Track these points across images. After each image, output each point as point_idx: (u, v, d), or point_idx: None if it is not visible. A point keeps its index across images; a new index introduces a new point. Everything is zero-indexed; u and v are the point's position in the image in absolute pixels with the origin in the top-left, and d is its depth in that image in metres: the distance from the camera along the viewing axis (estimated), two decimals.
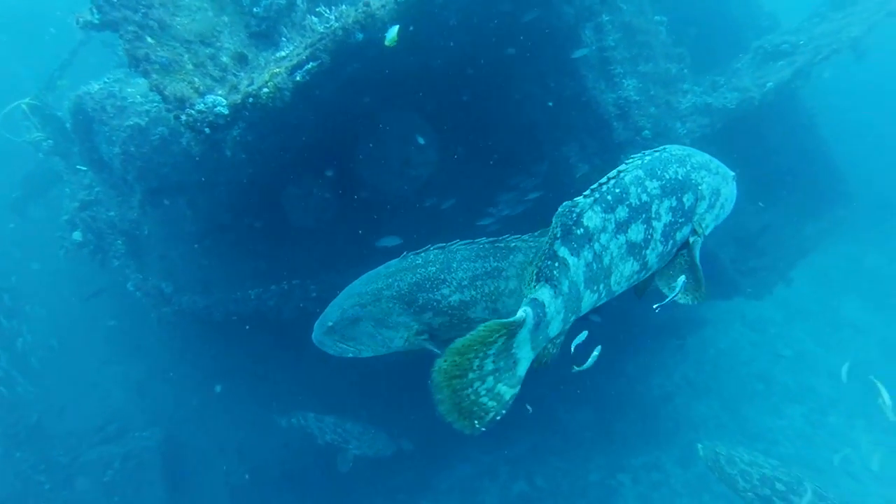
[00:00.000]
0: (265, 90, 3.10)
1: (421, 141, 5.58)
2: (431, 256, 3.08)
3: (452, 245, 3.09)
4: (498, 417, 2.08)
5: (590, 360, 2.77)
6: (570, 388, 9.63)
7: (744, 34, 8.15)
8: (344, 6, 3.43)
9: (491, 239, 3.07)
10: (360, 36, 3.38)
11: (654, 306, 2.59)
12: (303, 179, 5.99)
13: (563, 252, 2.14)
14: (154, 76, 2.99)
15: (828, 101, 9.23)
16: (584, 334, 4.12)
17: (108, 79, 5.17)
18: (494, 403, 2.06)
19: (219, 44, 3.41)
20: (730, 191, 2.64)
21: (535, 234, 3.07)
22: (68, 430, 8.78)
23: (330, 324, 3.15)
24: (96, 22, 3.03)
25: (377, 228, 6.51)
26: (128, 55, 3.01)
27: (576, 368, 2.79)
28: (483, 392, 2.03)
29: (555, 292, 2.12)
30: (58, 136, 7.03)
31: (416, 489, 8.94)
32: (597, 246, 2.19)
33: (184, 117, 2.94)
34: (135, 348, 9.35)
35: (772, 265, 7.83)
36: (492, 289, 3.04)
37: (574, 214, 2.17)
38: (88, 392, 9.19)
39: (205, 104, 2.97)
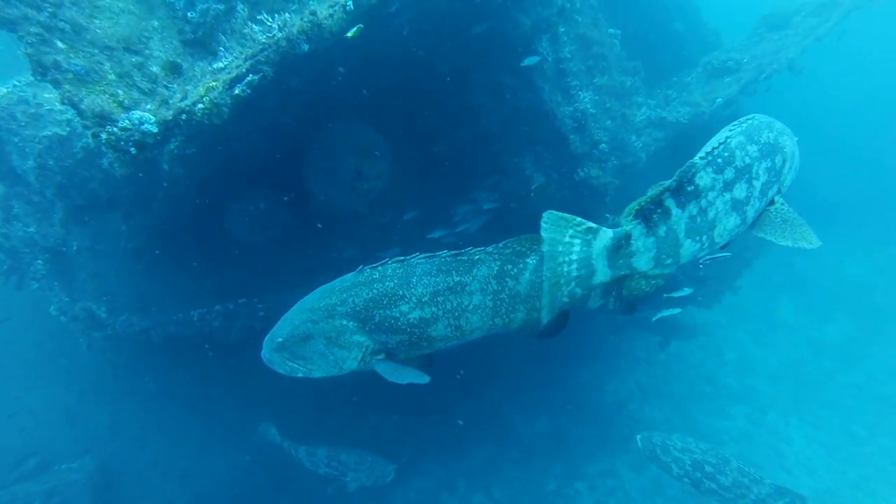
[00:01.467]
0: (200, 106, 2.78)
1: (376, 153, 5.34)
2: (389, 271, 2.90)
3: (412, 259, 2.91)
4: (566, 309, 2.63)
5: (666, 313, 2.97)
6: (527, 398, 9.63)
7: (689, 48, 8.36)
8: (288, 14, 3.14)
9: (453, 252, 2.92)
10: (305, 47, 3.12)
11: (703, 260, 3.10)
12: (248, 193, 5.62)
13: (669, 202, 2.43)
14: (67, 87, 2.61)
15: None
16: (676, 311, 4.46)
17: (18, 82, 4.57)
18: (567, 300, 2.61)
19: (147, 51, 3.05)
20: (799, 154, 2.88)
21: (500, 245, 2.94)
22: None
23: (280, 340, 2.93)
24: None
25: (329, 243, 6.22)
26: (31, 61, 2.60)
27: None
28: (566, 294, 2.58)
29: (647, 231, 2.48)
30: None
31: None
32: (703, 202, 2.47)
33: (104, 135, 2.58)
34: (62, 371, 8.57)
35: (720, 274, 8.05)
36: (454, 305, 2.89)
37: (690, 173, 2.43)
38: (4, 424, 8.31)
39: (130, 121, 2.62)
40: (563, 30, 5.23)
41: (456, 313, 2.91)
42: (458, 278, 2.90)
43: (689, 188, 2.42)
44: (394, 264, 2.92)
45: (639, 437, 6.80)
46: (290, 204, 5.82)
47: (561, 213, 2.58)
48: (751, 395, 11.47)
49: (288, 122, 4.95)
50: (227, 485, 8.45)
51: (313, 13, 3.08)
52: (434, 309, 2.89)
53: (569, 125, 5.34)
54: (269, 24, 3.05)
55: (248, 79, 2.95)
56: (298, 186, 5.71)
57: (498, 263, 2.93)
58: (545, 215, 2.59)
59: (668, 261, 2.56)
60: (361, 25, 3.24)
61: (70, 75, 2.63)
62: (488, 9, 4.60)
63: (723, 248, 2.70)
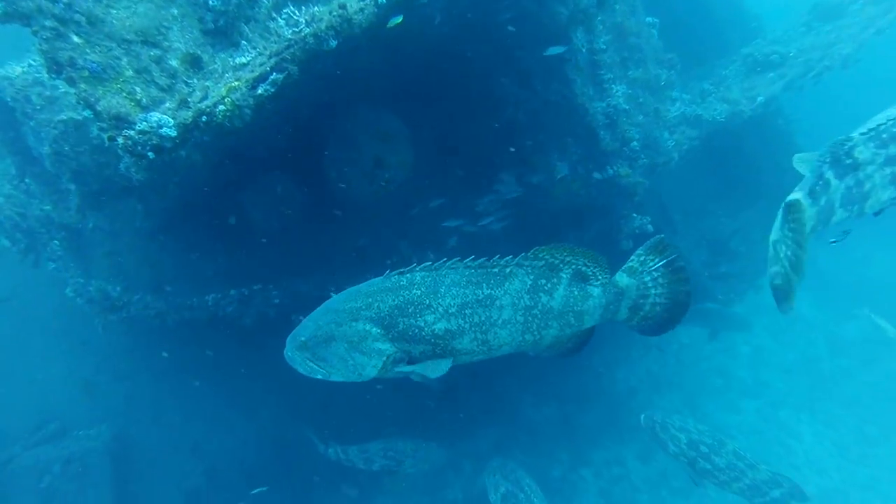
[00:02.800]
0: (221, 107, 2.62)
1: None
2: (417, 278, 2.83)
3: (441, 267, 2.81)
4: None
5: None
6: (536, 381, 9.61)
7: (729, 34, 7.93)
8: (316, 7, 2.94)
9: (481, 261, 2.82)
10: (333, 43, 2.93)
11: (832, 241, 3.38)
12: (265, 179, 5.49)
13: (829, 174, 2.61)
14: (82, 86, 2.45)
15: (804, 107, 9.21)
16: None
17: (33, 61, 4.38)
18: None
19: (167, 43, 2.87)
20: None
21: (530, 255, 2.85)
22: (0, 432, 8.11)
23: (302, 339, 2.89)
24: None
25: (346, 231, 6.11)
26: (46, 59, 2.44)
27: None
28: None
29: (812, 203, 2.67)
30: None
31: (377, 485, 8.78)
32: (861, 175, 2.65)
33: (121, 140, 2.43)
34: (79, 343, 8.67)
35: (742, 272, 7.85)
36: (482, 318, 2.82)
37: (846, 147, 2.60)
38: (24, 390, 8.48)
39: (148, 124, 2.47)
40: (599, 19, 4.94)
41: (484, 327, 2.85)
42: (488, 291, 2.83)
43: (847, 161, 2.60)
44: (422, 272, 2.84)
45: (642, 415, 6.95)
46: (308, 191, 5.69)
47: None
48: (763, 389, 11.35)
49: (308, 108, 4.77)
50: (238, 459, 8.59)
51: (343, 7, 2.88)
52: (461, 321, 2.82)
53: (600, 121, 5.10)
54: (295, 17, 2.85)
55: (273, 77, 2.77)
56: (317, 174, 5.57)
57: (531, 278, 2.85)
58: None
59: (819, 227, 2.82)
60: (401, 17, 3.04)
61: (86, 73, 2.47)
62: None
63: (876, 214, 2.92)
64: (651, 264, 2.93)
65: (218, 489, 8.19)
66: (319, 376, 2.99)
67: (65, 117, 3.96)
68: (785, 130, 8.08)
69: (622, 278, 2.95)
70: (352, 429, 7.29)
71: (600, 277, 2.94)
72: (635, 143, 5.17)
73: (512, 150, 5.81)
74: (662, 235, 2.98)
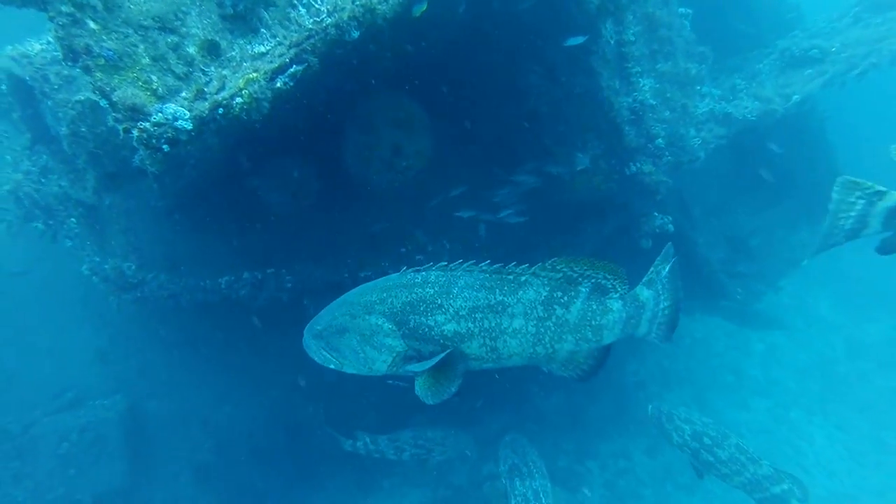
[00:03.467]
0: (239, 100, 2.55)
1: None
2: (432, 277, 2.84)
3: (456, 268, 2.78)
4: None
5: None
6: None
7: (764, 24, 7.61)
8: None
9: (497, 267, 2.79)
10: (356, 34, 2.83)
11: None
12: (280, 163, 5.43)
13: None
14: (98, 74, 2.39)
15: (837, 103, 8.86)
16: None
17: (52, 39, 4.29)
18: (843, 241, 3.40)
19: (185, 29, 2.80)
20: None
21: (547, 266, 2.81)
22: (20, 398, 8.32)
23: (319, 328, 2.94)
24: None
25: (361, 218, 6.06)
26: (62, 46, 2.38)
27: None
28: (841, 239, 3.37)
29: None
30: None
31: (383, 468, 8.88)
32: None
33: (136, 132, 2.38)
34: (94, 314, 8.82)
35: (761, 273, 7.68)
36: (493, 325, 2.82)
37: None
38: (42, 358, 8.68)
39: (163, 115, 2.42)
40: (631, 9, 4.74)
41: (493, 334, 2.85)
42: (500, 298, 2.82)
43: None
44: (436, 271, 2.84)
45: (650, 406, 7.02)
46: (324, 176, 5.63)
47: (854, 178, 3.16)
48: (775, 389, 11.21)
49: (327, 94, 4.68)
50: (246, 434, 8.74)
51: None
52: (470, 325, 2.83)
53: (625, 116, 4.95)
54: (317, 6, 2.75)
55: (292, 70, 2.69)
56: (333, 159, 5.50)
57: (547, 289, 2.83)
58: (839, 179, 3.24)
59: None
60: (426, 5, 2.94)
61: (102, 61, 2.41)
62: None
63: None
64: (663, 272, 2.99)
65: (226, 465, 8.36)
66: (332, 366, 3.03)
67: (82, 98, 3.93)
68: (818, 128, 7.81)
69: (642, 291, 2.92)
70: (365, 419, 7.35)
71: (620, 290, 2.92)
72: (660, 140, 5.01)
73: (532, 141, 5.68)
74: (670, 243, 3.02)
